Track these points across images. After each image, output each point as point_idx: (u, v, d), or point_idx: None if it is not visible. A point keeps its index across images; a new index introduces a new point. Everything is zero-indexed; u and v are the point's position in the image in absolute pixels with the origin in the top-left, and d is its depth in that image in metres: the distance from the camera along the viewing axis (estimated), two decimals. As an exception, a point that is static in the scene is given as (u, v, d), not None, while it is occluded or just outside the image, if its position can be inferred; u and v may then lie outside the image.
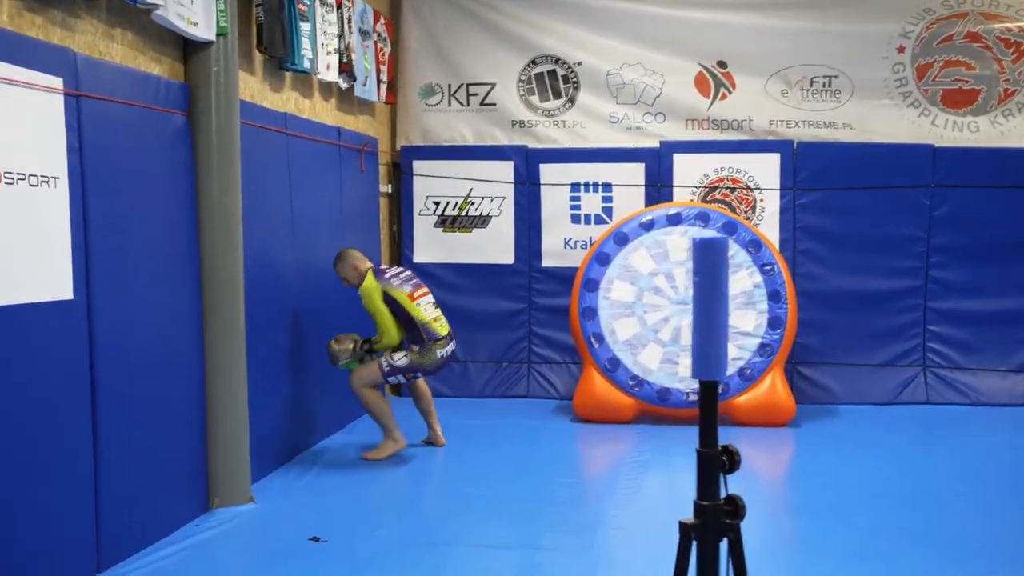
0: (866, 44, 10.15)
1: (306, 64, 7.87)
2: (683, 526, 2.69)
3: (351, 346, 7.77)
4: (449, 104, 10.60)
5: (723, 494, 2.70)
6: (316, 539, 5.89)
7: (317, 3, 8.09)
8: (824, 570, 5.49)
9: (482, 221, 10.46)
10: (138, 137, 5.77)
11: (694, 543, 2.68)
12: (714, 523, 2.67)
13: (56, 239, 4.98)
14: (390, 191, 10.62)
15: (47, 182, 4.91)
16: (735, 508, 2.66)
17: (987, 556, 5.69)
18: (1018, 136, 9.98)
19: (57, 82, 5.03)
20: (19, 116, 4.74)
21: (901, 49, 10.10)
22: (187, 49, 6.39)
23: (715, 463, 2.69)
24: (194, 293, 6.32)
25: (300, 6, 7.66)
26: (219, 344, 6.42)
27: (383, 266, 9.22)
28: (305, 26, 7.81)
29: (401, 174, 10.62)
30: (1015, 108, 10.00)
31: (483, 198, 10.47)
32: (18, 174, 4.69)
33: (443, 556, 5.69)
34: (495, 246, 10.47)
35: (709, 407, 2.72)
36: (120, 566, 5.41)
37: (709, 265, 2.71)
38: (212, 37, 6.31)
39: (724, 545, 2.69)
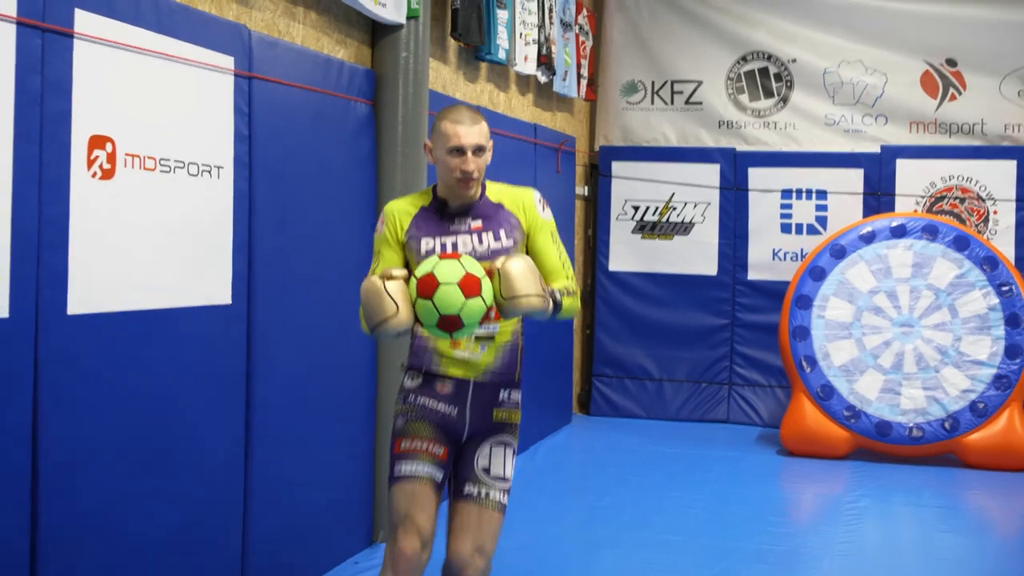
0: (1118, 38, 9.28)
1: (502, 55, 7.31)
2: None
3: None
4: (652, 102, 9.98)
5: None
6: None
7: (517, -11, 7.51)
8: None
9: (684, 228, 9.78)
10: (315, 126, 5.25)
11: None
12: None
13: (216, 236, 4.48)
14: (586, 194, 10.01)
15: (209, 171, 4.41)
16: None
17: None
18: None
19: (227, 61, 4.54)
20: (181, 97, 4.26)
21: None
22: (375, 33, 5.89)
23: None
24: (370, 301, 5.74)
25: (498, -9, 7.09)
26: (394, 360, 5.82)
27: None
28: (503, 14, 7.24)
29: (599, 176, 10.01)
30: None
31: (686, 203, 9.80)
32: (176, 161, 4.20)
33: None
34: (697, 255, 9.81)
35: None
36: (266, 606, 4.82)
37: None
38: (402, 20, 5.80)
39: None
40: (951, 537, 6.31)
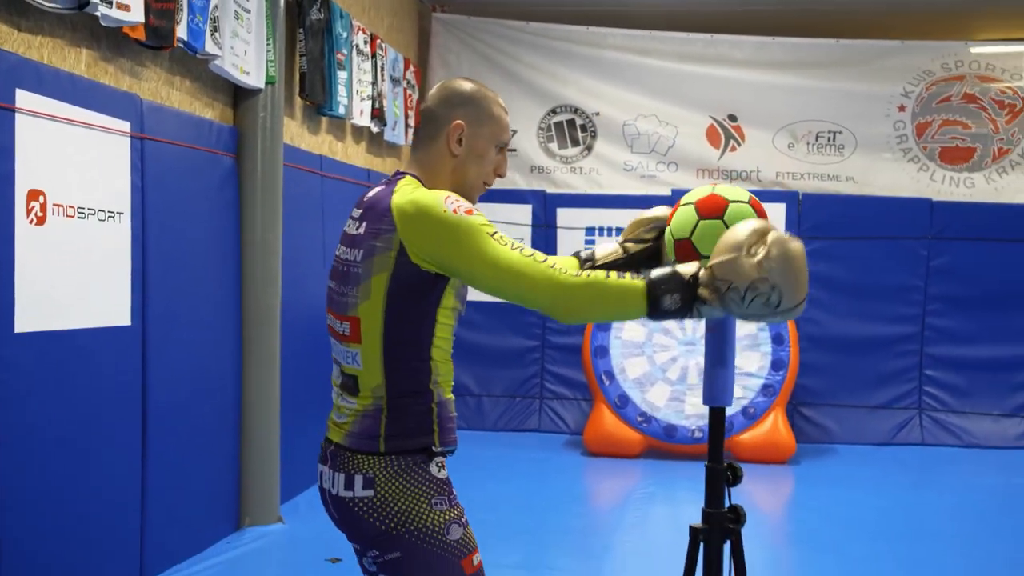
0: (869, 102, 10.60)
1: (341, 110, 8.33)
2: (692, 529, 3.13)
3: None
4: (471, 149, 10.98)
5: (727, 504, 3.13)
6: (335, 560, 6.18)
7: (354, 53, 8.58)
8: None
9: (501, 261, 10.78)
10: (191, 177, 6.23)
11: (701, 545, 3.11)
12: (719, 528, 3.09)
13: (118, 269, 5.43)
14: (413, 230, 10.95)
15: (113, 217, 5.37)
16: (737, 516, 3.09)
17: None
18: (1011, 192, 10.43)
19: (125, 125, 5.49)
20: (91, 156, 5.21)
21: (902, 108, 10.56)
22: (237, 95, 6.87)
23: (721, 477, 3.11)
24: (235, 322, 6.76)
25: (339, 55, 8.15)
26: (256, 370, 6.84)
27: None
28: (342, 74, 8.28)
29: (423, 215, 10.95)
30: (1008, 166, 10.47)
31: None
32: (88, 209, 5.15)
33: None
34: (513, 286, 10.77)
35: (717, 429, 3.14)
36: (158, 579, 5.77)
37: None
38: (261, 85, 6.78)
39: (727, 547, 3.12)
40: (721, 515, 7.63)
